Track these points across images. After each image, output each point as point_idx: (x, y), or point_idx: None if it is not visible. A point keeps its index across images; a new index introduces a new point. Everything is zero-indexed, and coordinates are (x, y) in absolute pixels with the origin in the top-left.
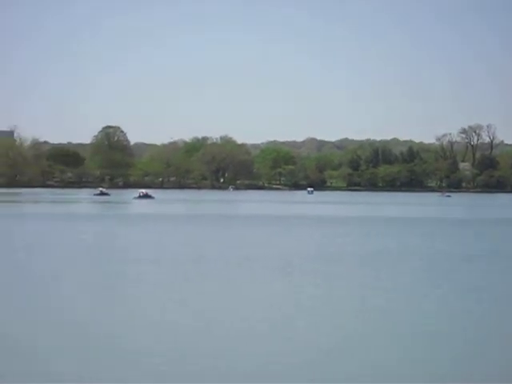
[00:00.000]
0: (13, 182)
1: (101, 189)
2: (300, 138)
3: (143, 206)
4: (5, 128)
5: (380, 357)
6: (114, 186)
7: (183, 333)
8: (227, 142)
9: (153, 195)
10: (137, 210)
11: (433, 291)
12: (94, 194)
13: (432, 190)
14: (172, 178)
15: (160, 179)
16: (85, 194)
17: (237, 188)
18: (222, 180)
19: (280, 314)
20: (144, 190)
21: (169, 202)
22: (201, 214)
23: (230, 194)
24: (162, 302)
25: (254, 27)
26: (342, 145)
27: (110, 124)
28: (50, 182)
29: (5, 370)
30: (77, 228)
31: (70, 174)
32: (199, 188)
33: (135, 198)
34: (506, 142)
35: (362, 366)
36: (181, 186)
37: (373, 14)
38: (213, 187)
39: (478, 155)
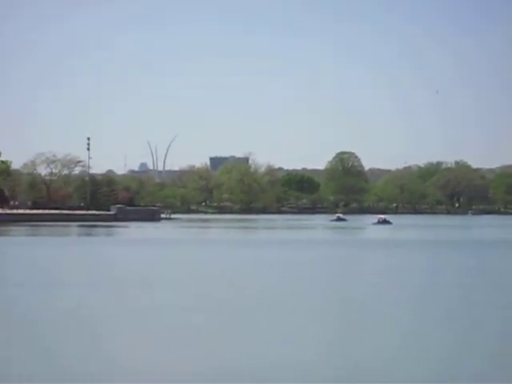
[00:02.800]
0: (247, 209)
1: (338, 214)
2: None
3: (383, 231)
4: (240, 155)
5: None
6: (348, 211)
7: None
8: (462, 166)
9: (390, 221)
10: (380, 236)
11: None
12: (331, 220)
13: None
14: (406, 204)
15: (394, 204)
16: (321, 219)
17: (475, 213)
18: (457, 205)
19: None
20: (383, 216)
21: (410, 228)
22: (447, 239)
23: (472, 219)
24: None
25: None
26: None
27: (344, 150)
28: (284, 208)
29: None
30: (346, 253)
31: (304, 200)
32: (434, 213)
33: (374, 223)
34: None
35: None
36: (415, 211)
37: None
38: (448, 212)
39: None
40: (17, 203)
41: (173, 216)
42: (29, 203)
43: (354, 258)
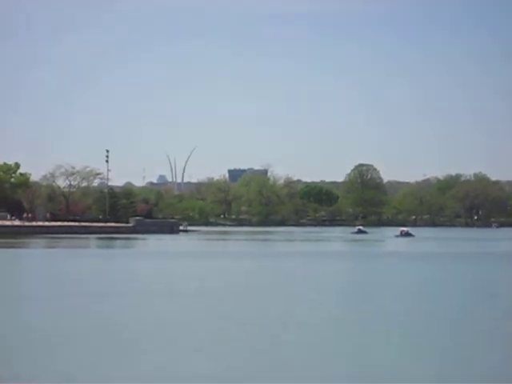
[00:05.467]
0: (266, 221)
1: (358, 227)
2: None
3: (408, 243)
4: (259, 167)
5: None
6: (367, 223)
7: None
8: (481, 178)
9: (412, 233)
10: (408, 249)
11: None
12: (352, 233)
13: None
14: (425, 216)
15: (413, 217)
16: (341, 232)
17: (499, 226)
18: (475, 217)
19: None
20: (405, 229)
21: (435, 240)
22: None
23: (498, 232)
24: None
25: None
26: None
27: (362, 162)
28: (302, 221)
29: None
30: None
31: (323, 213)
32: (452, 226)
33: (396, 235)
34: None
35: None
36: (434, 223)
37: None
38: (467, 225)
39: None
40: (30, 215)
41: (191, 228)
42: (48, 215)
43: (392, 270)
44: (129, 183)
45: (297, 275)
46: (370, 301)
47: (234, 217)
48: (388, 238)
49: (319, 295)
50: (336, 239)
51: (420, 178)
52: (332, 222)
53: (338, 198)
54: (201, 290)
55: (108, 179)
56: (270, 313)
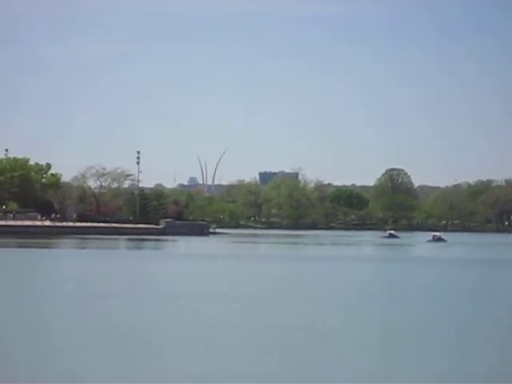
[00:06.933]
0: (296, 225)
1: (390, 231)
2: None
3: (443, 249)
4: (289, 170)
5: None
6: (397, 228)
7: None
8: None
9: (445, 238)
10: (447, 254)
11: None
12: (383, 237)
13: None
14: (455, 221)
15: (443, 222)
16: (372, 236)
17: None
18: (506, 223)
19: None
20: (438, 234)
21: (465, 246)
22: None
23: None
24: None
25: None
26: None
27: (394, 166)
28: (332, 224)
29: None
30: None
31: (353, 216)
32: (483, 231)
33: (429, 240)
34: None
35: None
36: (464, 228)
37: None
38: (497, 230)
39: None
40: (59, 215)
41: (221, 231)
42: (74, 215)
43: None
44: (159, 185)
45: (328, 280)
46: (405, 307)
47: (264, 220)
48: (420, 242)
49: (348, 300)
50: (367, 243)
51: (451, 183)
52: (362, 226)
53: (368, 202)
54: (231, 293)
55: (139, 181)
56: (297, 316)
